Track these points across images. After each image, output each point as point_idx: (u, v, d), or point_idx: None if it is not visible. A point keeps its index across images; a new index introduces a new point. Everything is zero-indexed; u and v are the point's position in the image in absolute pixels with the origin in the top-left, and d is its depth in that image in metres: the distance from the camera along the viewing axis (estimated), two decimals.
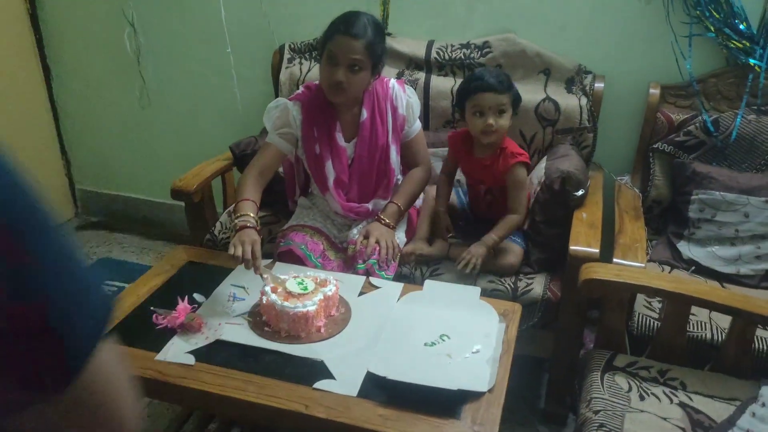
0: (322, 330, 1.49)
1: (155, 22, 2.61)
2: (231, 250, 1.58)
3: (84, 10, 2.69)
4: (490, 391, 1.32)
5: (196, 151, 2.46)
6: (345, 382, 1.33)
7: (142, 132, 2.89)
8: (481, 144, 1.82)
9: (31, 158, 2.90)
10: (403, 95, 1.89)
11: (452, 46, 2.21)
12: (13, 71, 2.73)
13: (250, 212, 1.69)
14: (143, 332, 1.48)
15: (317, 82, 1.84)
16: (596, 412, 1.37)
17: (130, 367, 0.55)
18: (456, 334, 1.49)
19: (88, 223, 3.14)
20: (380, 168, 1.90)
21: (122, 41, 2.64)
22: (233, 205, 1.86)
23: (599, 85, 2.10)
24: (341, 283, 1.63)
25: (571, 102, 2.08)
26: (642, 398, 1.41)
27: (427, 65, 2.23)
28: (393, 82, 1.90)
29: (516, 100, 1.79)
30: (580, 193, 1.84)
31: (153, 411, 1.96)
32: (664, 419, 1.35)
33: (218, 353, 1.41)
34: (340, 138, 1.86)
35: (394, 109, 1.88)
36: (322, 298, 1.49)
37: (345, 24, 1.71)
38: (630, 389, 1.44)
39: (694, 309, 1.58)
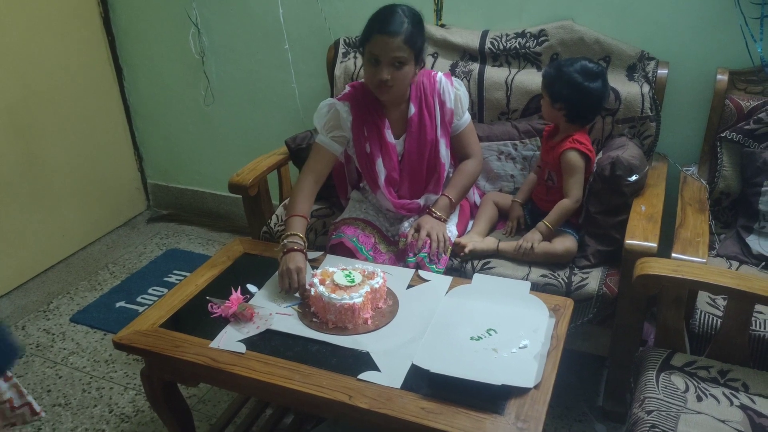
0: (369, 322, 1.50)
1: (218, 22, 2.70)
2: (279, 282, 1.62)
3: (152, 13, 2.83)
4: (536, 387, 1.30)
5: (257, 146, 2.54)
6: (389, 374, 1.34)
7: (207, 128, 3.00)
8: (559, 132, 1.91)
9: (107, 155, 3.08)
10: (450, 88, 1.87)
11: (507, 35, 2.17)
12: (88, 73, 2.90)
13: (299, 232, 1.70)
14: (199, 320, 1.55)
15: (362, 80, 1.85)
16: (649, 412, 1.33)
17: None
18: (503, 328, 1.47)
19: (158, 215, 3.30)
20: (430, 163, 1.90)
21: (187, 42, 2.75)
22: (286, 211, 1.85)
23: (663, 72, 2.01)
24: (390, 276, 1.65)
25: (632, 90, 2.00)
26: (699, 399, 1.35)
27: (482, 56, 2.20)
28: (440, 75, 1.88)
29: (550, 92, 1.84)
30: (633, 178, 1.78)
31: (212, 396, 2.05)
32: (723, 422, 1.28)
33: (268, 342, 1.46)
34: (389, 135, 1.86)
35: (442, 103, 1.86)
36: (368, 290, 1.50)
37: (381, 23, 1.69)
38: (687, 389, 1.38)
39: (762, 307, 1.50)
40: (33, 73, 2.64)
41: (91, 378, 2.17)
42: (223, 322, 1.53)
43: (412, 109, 1.85)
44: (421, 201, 1.93)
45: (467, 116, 1.92)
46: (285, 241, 1.68)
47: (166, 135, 3.15)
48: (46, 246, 2.83)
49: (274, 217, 2.17)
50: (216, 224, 3.15)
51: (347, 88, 1.90)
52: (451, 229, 1.91)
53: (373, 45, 1.70)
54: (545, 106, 1.88)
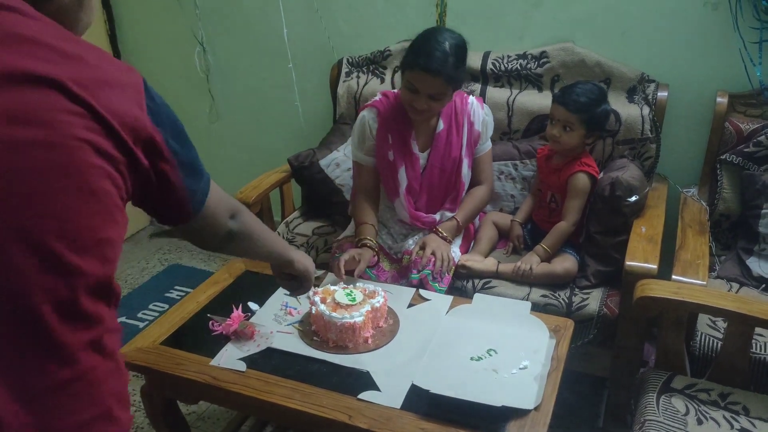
0: (370, 341, 1.51)
1: (223, 41, 2.74)
2: (339, 260, 1.74)
3: (158, 32, 2.86)
4: (536, 409, 1.30)
5: (261, 163, 2.55)
6: (389, 393, 1.34)
7: (212, 146, 3.02)
8: (560, 154, 1.93)
9: None
10: (480, 112, 1.90)
11: (508, 56, 2.19)
12: None
13: (369, 236, 1.83)
14: (200, 338, 1.55)
15: (396, 90, 1.86)
16: None
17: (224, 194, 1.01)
18: (504, 349, 1.47)
19: (161, 231, 3.30)
20: (451, 180, 1.91)
21: (192, 60, 2.78)
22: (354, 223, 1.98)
23: (663, 94, 2.03)
24: (391, 295, 1.65)
25: (632, 112, 2.02)
26: (700, 422, 1.35)
27: (483, 76, 2.22)
28: (473, 98, 1.91)
29: (591, 124, 1.85)
30: (633, 199, 1.79)
31: (211, 413, 2.04)
32: None
33: (268, 360, 1.46)
34: (414, 146, 1.88)
35: (471, 124, 1.89)
36: (369, 309, 1.51)
37: (426, 58, 1.66)
38: (687, 412, 1.38)
39: (763, 330, 1.50)
40: None
41: None
42: (223, 339, 1.53)
43: (441, 125, 1.87)
44: (437, 216, 1.93)
45: (489, 143, 1.95)
46: (358, 242, 1.83)
47: None
48: None
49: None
50: None
51: (378, 96, 1.91)
52: (455, 251, 1.91)
53: (413, 76, 1.70)
54: (573, 138, 1.84)
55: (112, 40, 2.95)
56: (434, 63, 1.66)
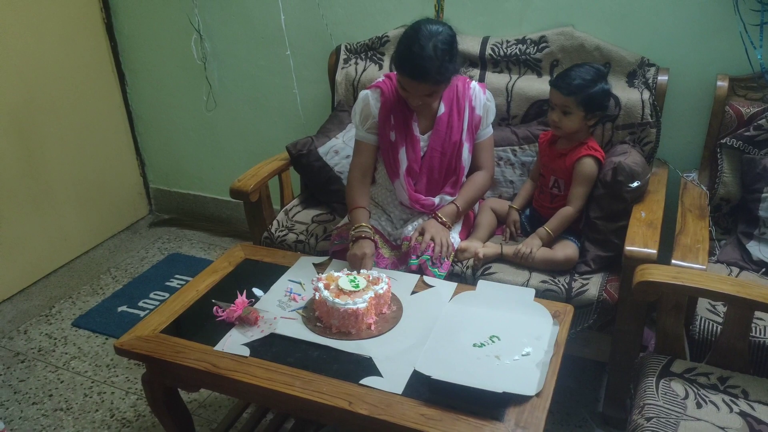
0: (373, 327, 1.51)
1: (219, 28, 2.72)
2: (350, 266, 1.73)
3: (155, 19, 2.84)
4: (536, 394, 1.30)
5: (259, 151, 2.54)
6: (391, 379, 1.35)
7: (209, 133, 3.02)
8: (565, 139, 1.91)
9: (110, 159, 3.09)
10: (482, 97, 1.90)
11: (507, 41, 2.18)
12: (90, 78, 2.91)
13: (363, 221, 1.80)
14: (200, 326, 1.56)
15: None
16: (648, 419, 1.33)
17: None
18: (506, 335, 1.47)
19: (160, 220, 3.30)
20: (451, 163, 1.91)
21: (189, 48, 2.76)
22: (347, 207, 1.93)
23: (663, 78, 2.02)
24: (394, 281, 1.66)
25: (632, 96, 2.01)
26: (699, 406, 1.35)
27: (482, 62, 2.21)
28: (474, 83, 1.91)
29: (588, 104, 1.82)
30: (634, 185, 1.79)
31: (213, 401, 2.05)
32: (722, 429, 1.29)
33: (269, 348, 1.46)
34: (415, 128, 1.88)
35: (472, 109, 1.89)
36: (372, 295, 1.51)
37: (411, 66, 1.68)
38: (687, 396, 1.38)
39: (762, 314, 1.50)
40: (36, 78, 2.65)
41: (92, 383, 2.18)
42: (225, 326, 1.54)
43: (442, 109, 1.87)
44: (436, 200, 1.93)
45: (490, 129, 1.95)
46: (353, 231, 1.78)
47: (168, 140, 3.16)
48: (48, 250, 2.84)
49: (275, 222, 2.18)
50: (217, 229, 3.15)
51: (382, 77, 1.92)
52: (455, 237, 1.91)
53: (403, 80, 1.73)
54: (573, 121, 1.83)
55: (108, 29, 2.93)
56: (418, 71, 1.68)
